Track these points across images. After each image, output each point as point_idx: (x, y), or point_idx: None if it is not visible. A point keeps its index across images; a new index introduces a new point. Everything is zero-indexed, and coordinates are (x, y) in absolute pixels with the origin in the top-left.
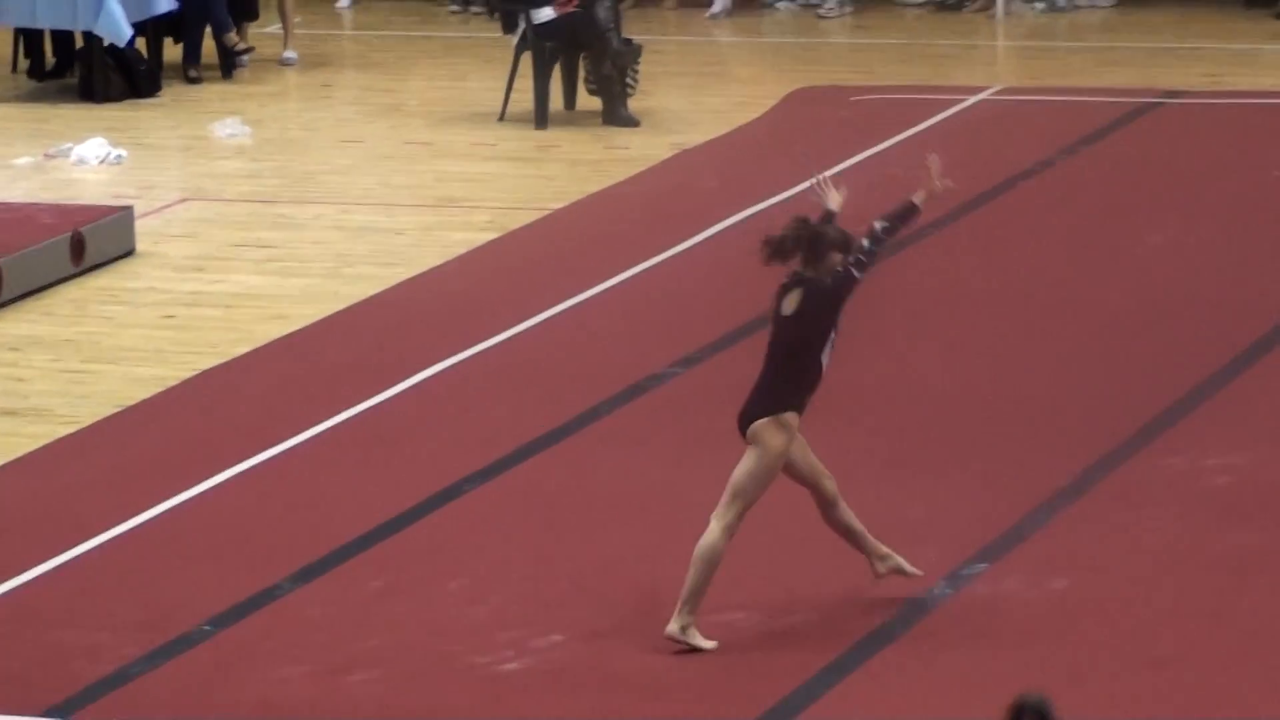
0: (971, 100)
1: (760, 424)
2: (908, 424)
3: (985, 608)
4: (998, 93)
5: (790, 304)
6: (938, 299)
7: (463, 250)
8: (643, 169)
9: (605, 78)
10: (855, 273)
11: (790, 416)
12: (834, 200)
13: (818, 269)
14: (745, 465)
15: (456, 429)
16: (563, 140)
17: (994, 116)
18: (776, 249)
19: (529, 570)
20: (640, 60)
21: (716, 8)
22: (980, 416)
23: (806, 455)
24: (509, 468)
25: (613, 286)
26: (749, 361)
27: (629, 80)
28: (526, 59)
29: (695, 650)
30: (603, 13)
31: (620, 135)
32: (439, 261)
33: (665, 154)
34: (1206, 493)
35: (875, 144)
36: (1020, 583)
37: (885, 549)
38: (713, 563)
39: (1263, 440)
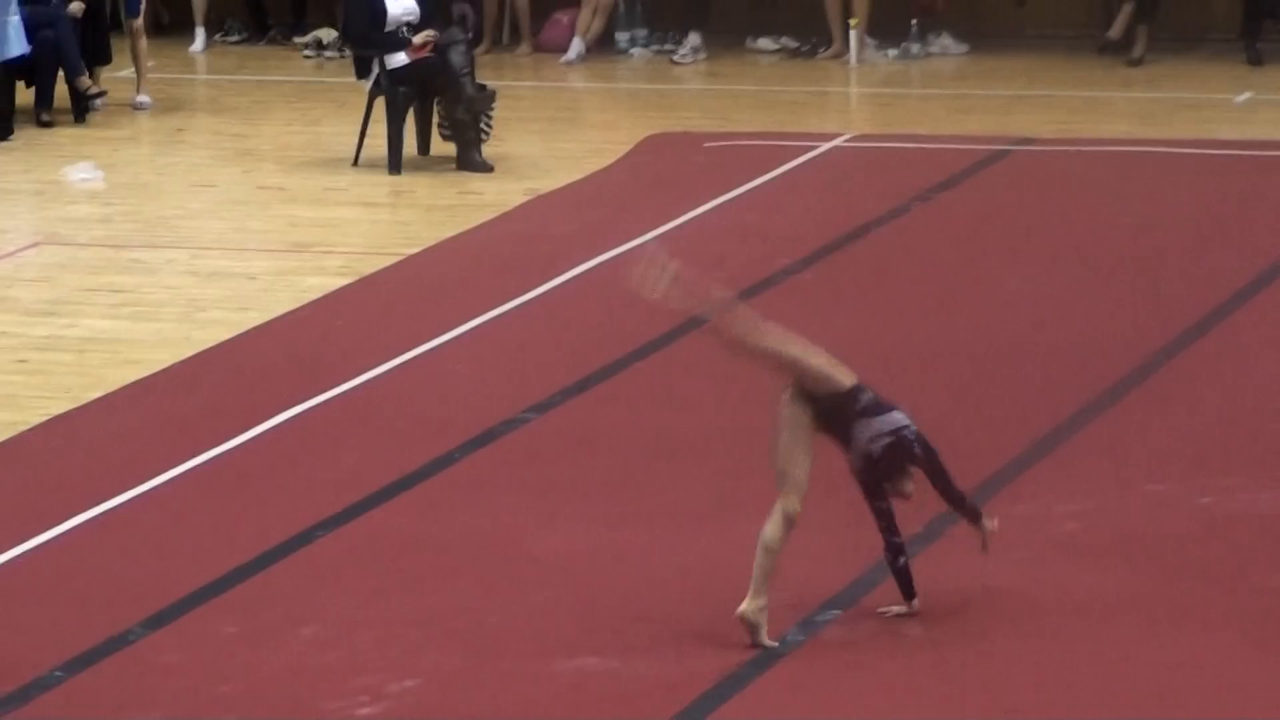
0: (825, 147)
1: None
2: (758, 470)
3: (838, 653)
4: (851, 139)
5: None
6: None
7: (316, 295)
8: (497, 214)
9: (459, 123)
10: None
11: (798, 406)
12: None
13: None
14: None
15: (309, 475)
16: (417, 185)
17: (847, 163)
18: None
19: (383, 615)
20: (494, 105)
21: (571, 53)
22: (832, 462)
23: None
24: (362, 513)
25: (466, 332)
26: (601, 408)
27: (483, 125)
28: (380, 104)
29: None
30: (457, 58)
31: (474, 181)
32: (292, 307)
33: (519, 199)
34: (1056, 539)
35: (729, 190)
36: (872, 629)
37: (763, 603)
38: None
39: (1110, 487)
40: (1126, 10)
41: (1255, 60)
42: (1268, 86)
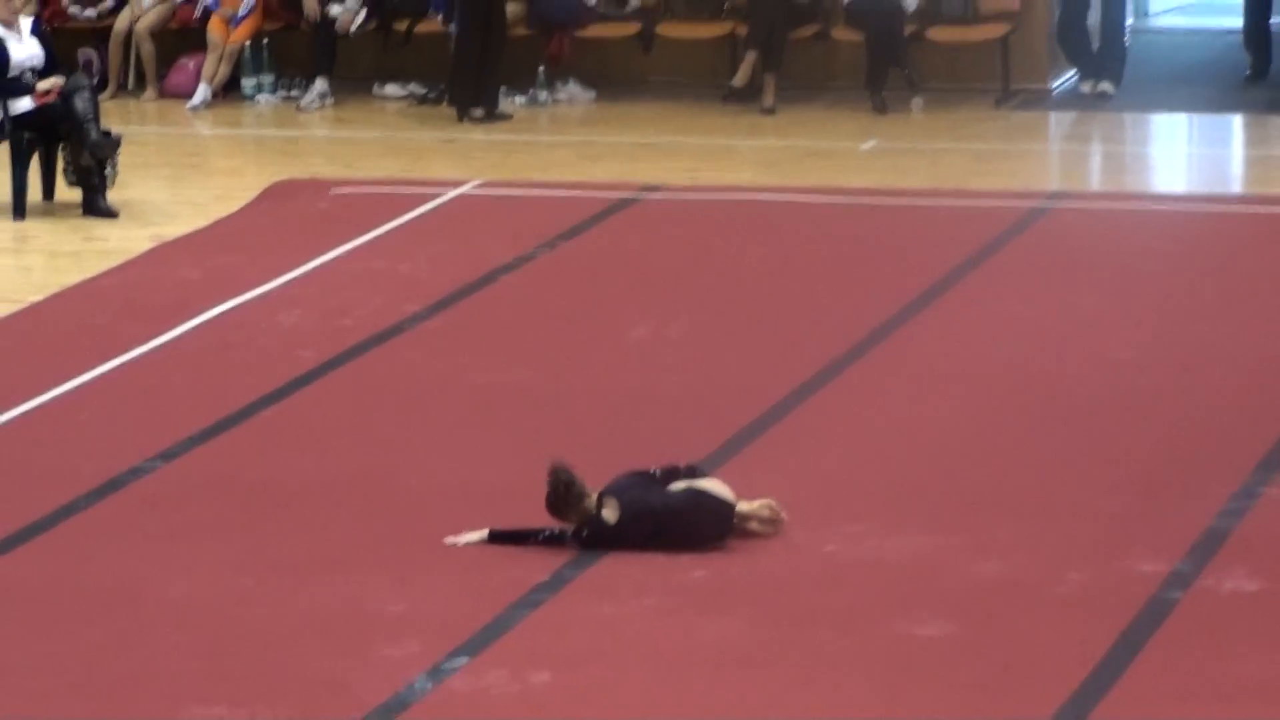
0: (453, 194)
1: None
2: (386, 518)
3: (467, 701)
4: (478, 186)
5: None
6: (419, 390)
7: None
8: (122, 260)
9: (84, 169)
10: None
11: None
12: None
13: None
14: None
15: None
16: (41, 231)
17: (474, 210)
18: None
19: (8, 664)
20: (120, 151)
21: (196, 99)
22: (453, 511)
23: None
24: None
25: (91, 380)
26: (230, 455)
27: (108, 171)
28: (4, 149)
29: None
30: (81, 104)
31: (99, 227)
32: None
33: (145, 245)
34: (684, 586)
35: (356, 237)
36: (502, 676)
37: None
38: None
39: (738, 535)
40: (751, 58)
41: (880, 108)
42: (892, 134)
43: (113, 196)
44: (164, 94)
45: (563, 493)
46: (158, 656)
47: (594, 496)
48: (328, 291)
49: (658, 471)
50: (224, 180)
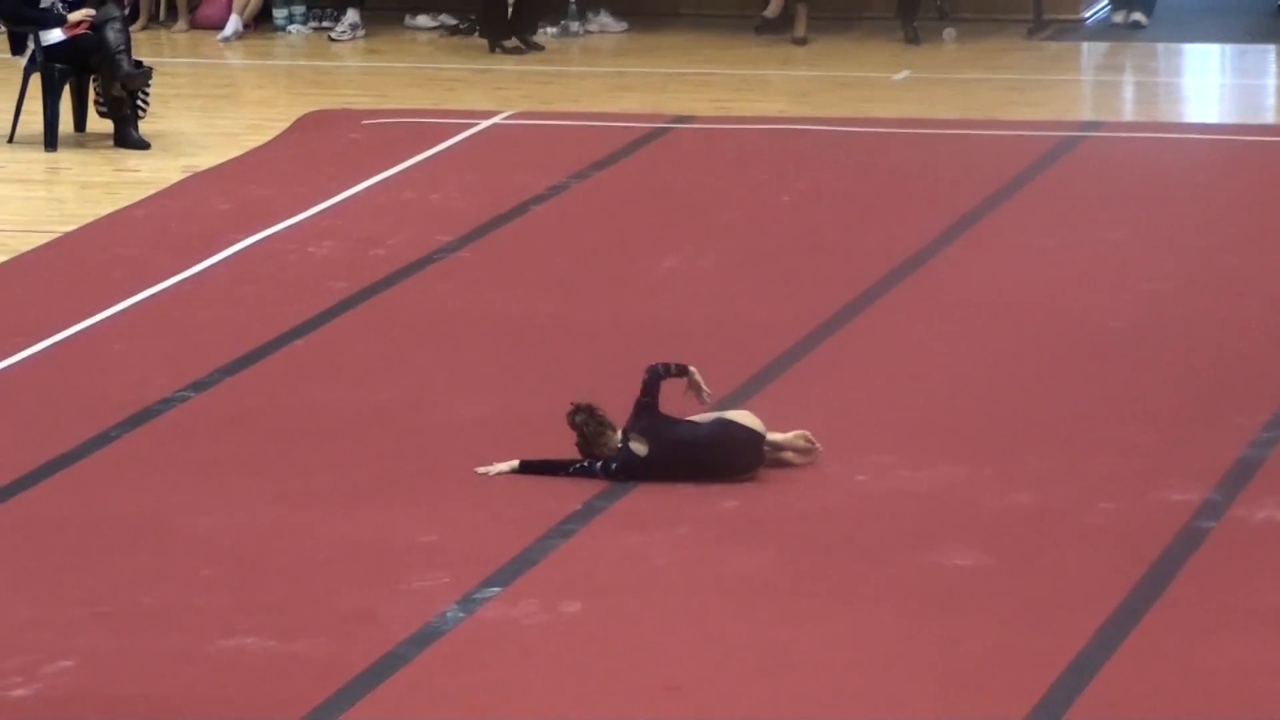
0: (484, 124)
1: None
2: (416, 449)
3: (498, 631)
4: (509, 117)
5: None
6: (449, 321)
7: None
8: (154, 191)
9: (116, 100)
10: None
11: None
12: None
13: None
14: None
15: None
16: (73, 162)
17: (506, 140)
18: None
19: (37, 596)
20: (151, 82)
21: (228, 30)
22: (488, 441)
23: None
24: (15, 494)
25: (122, 310)
26: (260, 386)
27: (140, 102)
28: (36, 80)
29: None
30: (113, 35)
31: (131, 158)
32: None
33: (176, 176)
34: (715, 516)
35: (388, 167)
36: (533, 606)
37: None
38: None
39: (768, 464)
40: None
41: (913, 39)
42: (924, 64)
43: (144, 128)
44: (195, 25)
45: (581, 426)
46: (187, 588)
47: (618, 430)
48: (359, 222)
49: (644, 398)
50: (255, 111)
